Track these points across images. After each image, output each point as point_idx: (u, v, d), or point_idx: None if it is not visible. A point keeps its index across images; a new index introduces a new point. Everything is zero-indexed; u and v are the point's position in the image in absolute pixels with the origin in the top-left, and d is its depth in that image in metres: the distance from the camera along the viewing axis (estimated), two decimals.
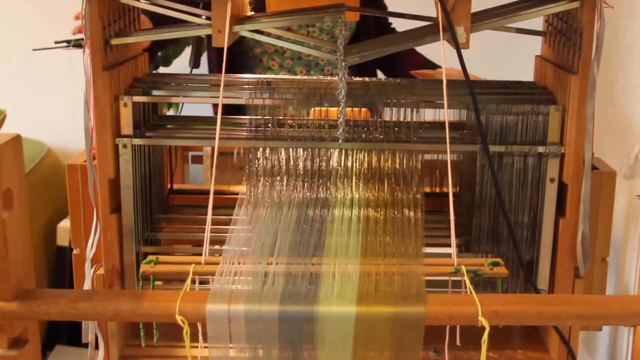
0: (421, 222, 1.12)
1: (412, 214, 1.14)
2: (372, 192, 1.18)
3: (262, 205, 1.16)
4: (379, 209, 1.15)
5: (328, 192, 1.18)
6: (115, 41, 1.17)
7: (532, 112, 1.17)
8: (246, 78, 1.30)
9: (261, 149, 1.20)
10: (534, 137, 1.17)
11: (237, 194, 1.18)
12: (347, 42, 1.83)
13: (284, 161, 1.21)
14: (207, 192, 1.10)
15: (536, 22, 1.26)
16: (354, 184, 1.19)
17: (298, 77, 1.34)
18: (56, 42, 1.22)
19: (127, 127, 1.18)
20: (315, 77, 1.35)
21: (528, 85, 1.29)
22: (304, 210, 1.14)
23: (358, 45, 1.31)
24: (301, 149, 1.20)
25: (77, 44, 1.17)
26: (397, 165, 1.20)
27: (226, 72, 1.64)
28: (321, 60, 1.93)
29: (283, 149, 1.20)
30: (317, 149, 1.20)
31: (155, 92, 1.21)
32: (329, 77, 1.31)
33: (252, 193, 1.19)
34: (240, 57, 1.91)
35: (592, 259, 1.22)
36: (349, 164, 1.21)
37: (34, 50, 1.29)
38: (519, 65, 1.49)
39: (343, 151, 1.20)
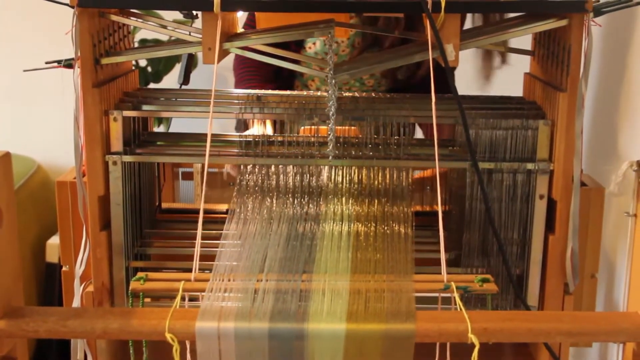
0: (411, 238, 1.12)
1: (402, 229, 1.14)
2: (362, 207, 1.19)
3: (252, 221, 1.16)
4: (369, 225, 1.15)
5: (318, 208, 1.18)
6: (105, 60, 1.17)
7: (522, 126, 1.17)
8: (236, 93, 1.31)
9: (251, 166, 1.21)
10: (523, 153, 1.18)
11: (226, 212, 1.18)
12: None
13: (273, 177, 1.21)
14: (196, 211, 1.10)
15: (525, 39, 1.27)
16: (344, 200, 1.19)
17: (288, 92, 1.35)
18: (47, 63, 1.22)
19: (117, 144, 1.18)
20: (305, 93, 1.35)
21: (517, 100, 1.30)
22: (294, 227, 1.14)
23: (348, 62, 1.32)
24: (291, 166, 1.20)
25: (68, 64, 1.17)
26: (387, 181, 1.21)
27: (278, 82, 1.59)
28: (368, 82, 1.90)
29: (273, 166, 1.21)
30: (307, 166, 1.20)
31: (145, 107, 1.21)
32: (319, 93, 1.32)
33: (242, 209, 1.19)
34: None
35: (581, 275, 1.22)
36: (339, 180, 1.21)
37: (24, 71, 1.29)
38: (508, 83, 1.50)
39: (333, 167, 1.20)
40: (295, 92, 1.34)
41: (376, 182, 1.21)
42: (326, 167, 1.20)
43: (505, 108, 1.23)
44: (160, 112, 1.24)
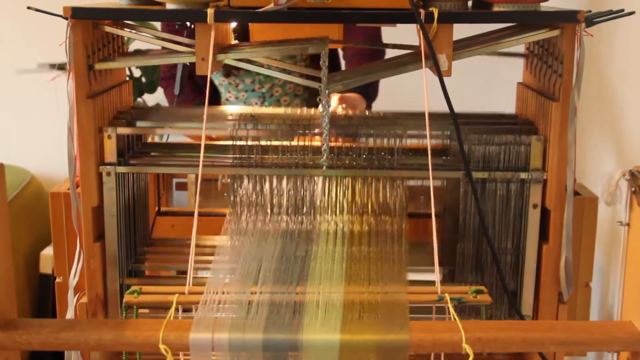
0: (405, 249, 1.12)
1: (395, 240, 1.14)
2: (357, 218, 1.19)
3: (246, 232, 1.16)
4: (363, 236, 1.15)
5: (312, 219, 1.18)
6: (99, 66, 1.17)
7: (514, 142, 1.18)
8: (230, 110, 1.31)
9: (245, 176, 1.21)
10: (516, 164, 1.18)
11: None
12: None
13: (267, 187, 1.21)
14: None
15: (518, 49, 1.28)
16: (338, 210, 1.19)
17: (282, 109, 1.35)
18: (39, 65, 1.21)
19: (111, 154, 1.18)
20: (299, 110, 1.35)
21: (510, 117, 1.31)
22: (288, 238, 1.14)
23: (342, 72, 1.32)
24: (285, 176, 1.20)
25: (61, 67, 1.17)
26: (381, 192, 1.21)
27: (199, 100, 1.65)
28: (276, 91, 1.98)
29: (267, 176, 1.21)
30: (301, 176, 1.20)
31: (139, 124, 1.21)
32: (313, 111, 1.31)
33: (236, 220, 1.19)
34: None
35: (575, 285, 1.22)
36: (333, 190, 1.21)
37: (17, 71, 1.28)
38: (501, 93, 1.51)
39: (327, 178, 1.20)
40: (289, 110, 1.34)
41: (370, 193, 1.21)
42: (320, 179, 1.20)
43: (498, 124, 1.24)
44: (153, 128, 1.24)
